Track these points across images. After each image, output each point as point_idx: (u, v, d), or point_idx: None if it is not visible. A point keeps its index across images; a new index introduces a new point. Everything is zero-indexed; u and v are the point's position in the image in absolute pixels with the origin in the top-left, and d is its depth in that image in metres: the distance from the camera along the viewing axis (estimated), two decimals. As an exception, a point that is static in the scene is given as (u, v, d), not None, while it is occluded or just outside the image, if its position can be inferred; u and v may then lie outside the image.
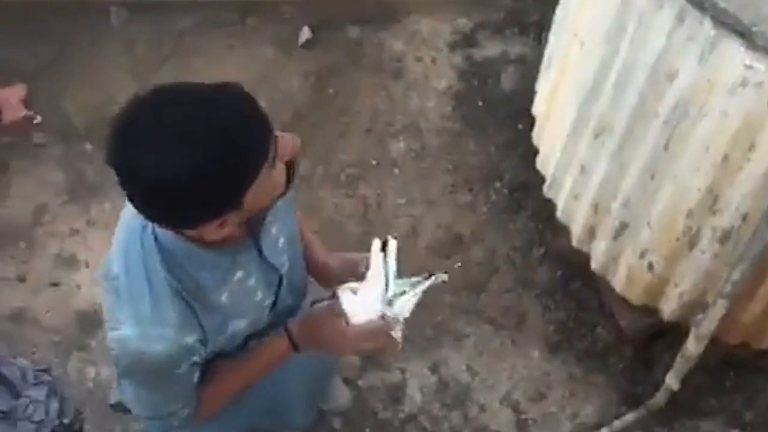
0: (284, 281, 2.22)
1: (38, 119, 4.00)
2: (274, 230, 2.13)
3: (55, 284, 3.72)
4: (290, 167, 1.92)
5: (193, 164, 1.71)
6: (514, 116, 4.03)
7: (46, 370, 3.53)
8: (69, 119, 4.03)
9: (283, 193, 1.95)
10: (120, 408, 2.44)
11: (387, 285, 2.14)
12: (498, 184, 3.92)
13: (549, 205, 3.59)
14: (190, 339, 2.00)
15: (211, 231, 1.85)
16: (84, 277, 3.72)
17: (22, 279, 3.73)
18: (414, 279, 2.19)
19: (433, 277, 2.20)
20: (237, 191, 1.79)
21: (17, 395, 3.46)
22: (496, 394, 3.56)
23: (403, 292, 2.16)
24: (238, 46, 4.20)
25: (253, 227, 2.03)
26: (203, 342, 2.04)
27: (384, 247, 2.15)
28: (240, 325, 2.13)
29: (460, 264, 3.74)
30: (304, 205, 3.83)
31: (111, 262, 2.02)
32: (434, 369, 3.60)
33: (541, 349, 3.63)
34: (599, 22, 2.99)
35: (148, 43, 4.21)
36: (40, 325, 3.65)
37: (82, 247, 3.77)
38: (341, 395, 3.49)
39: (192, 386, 2.12)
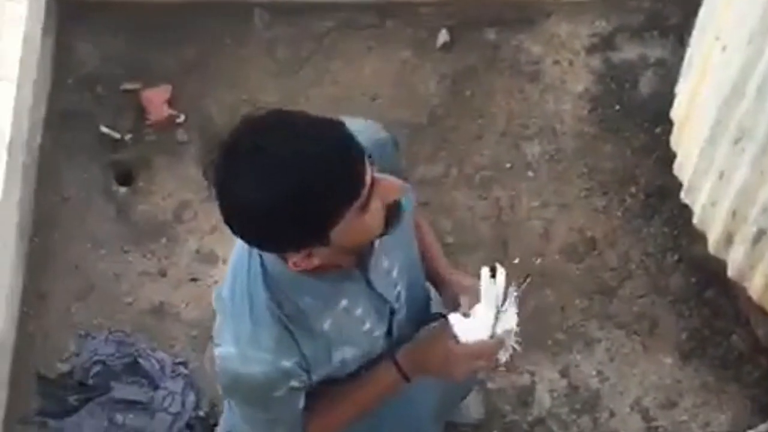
0: (398, 311, 2.21)
1: (181, 118, 4.10)
2: (385, 262, 2.12)
3: (194, 279, 3.82)
4: (392, 210, 1.92)
5: (275, 194, 1.75)
6: (652, 120, 3.98)
7: (183, 363, 3.63)
8: (210, 118, 4.11)
9: (383, 234, 1.95)
10: None
11: (498, 311, 2.15)
12: (633, 189, 3.88)
13: (685, 211, 3.53)
14: (288, 363, 2.02)
15: (300, 260, 1.88)
16: (222, 273, 3.75)
17: (163, 274, 3.83)
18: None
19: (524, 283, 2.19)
20: (319, 227, 1.81)
21: (155, 387, 3.57)
22: (626, 400, 3.53)
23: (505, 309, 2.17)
24: (377, 48, 4.24)
25: (361, 258, 2.03)
26: (303, 368, 2.05)
27: (493, 274, 2.15)
28: (347, 354, 2.13)
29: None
30: (438, 206, 3.86)
31: (224, 282, 2.09)
32: (564, 373, 3.59)
33: (673, 356, 3.58)
34: (743, 25, 2.94)
35: (288, 45, 4.27)
36: (179, 319, 3.74)
37: (220, 243, 3.85)
38: (476, 410, 3.49)
39: (296, 412, 2.14)
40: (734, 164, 3.09)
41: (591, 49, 4.19)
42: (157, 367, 3.61)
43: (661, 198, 3.83)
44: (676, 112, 3.60)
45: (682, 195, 3.49)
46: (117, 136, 4.07)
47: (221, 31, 4.29)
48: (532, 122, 4.05)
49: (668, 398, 3.53)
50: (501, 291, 2.15)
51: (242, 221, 1.82)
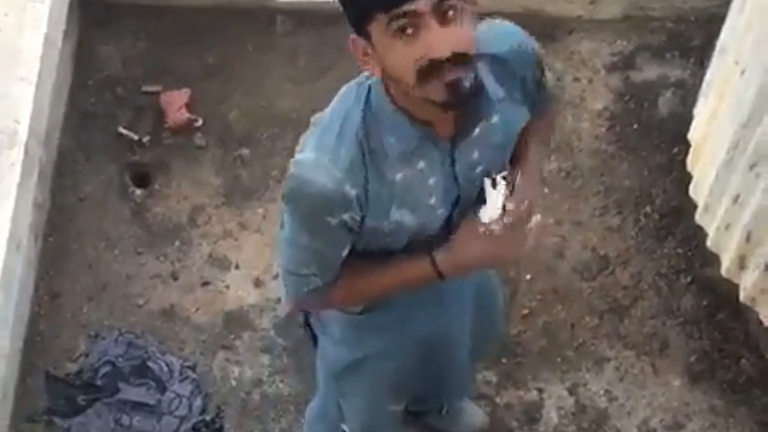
0: (463, 204, 2.25)
1: (200, 122, 4.11)
2: (475, 154, 2.19)
3: (205, 284, 3.82)
4: (425, 70, 1.96)
5: None
6: (670, 140, 3.98)
7: (192, 367, 3.64)
8: (229, 124, 4.13)
9: (444, 104, 2.00)
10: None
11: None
12: (648, 209, 3.87)
13: (699, 233, 3.53)
14: (351, 191, 2.10)
15: (361, 53, 2.05)
16: (234, 278, 3.81)
17: (175, 277, 3.84)
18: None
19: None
20: (355, 10, 2.02)
21: (163, 390, 3.58)
22: (633, 421, 3.52)
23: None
24: (398, 60, 4.24)
25: (455, 134, 2.13)
26: (360, 207, 2.13)
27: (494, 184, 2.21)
28: (405, 218, 2.19)
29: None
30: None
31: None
32: (572, 391, 3.58)
33: (682, 378, 3.58)
34: (761, 51, 2.94)
35: (310, 54, 4.28)
36: (189, 323, 3.75)
37: (234, 249, 3.86)
38: (476, 419, 3.50)
39: (336, 256, 2.23)
40: (749, 188, 3.09)
41: (611, 68, 4.20)
42: (166, 369, 3.62)
43: (676, 219, 3.83)
44: (693, 134, 3.60)
45: (697, 217, 3.49)
46: (135, 137, 4.09)
47: (243, 37, 4.31)
48: (550, 138, 4.05)
49: (676, 420, 3.51)
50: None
51: None
